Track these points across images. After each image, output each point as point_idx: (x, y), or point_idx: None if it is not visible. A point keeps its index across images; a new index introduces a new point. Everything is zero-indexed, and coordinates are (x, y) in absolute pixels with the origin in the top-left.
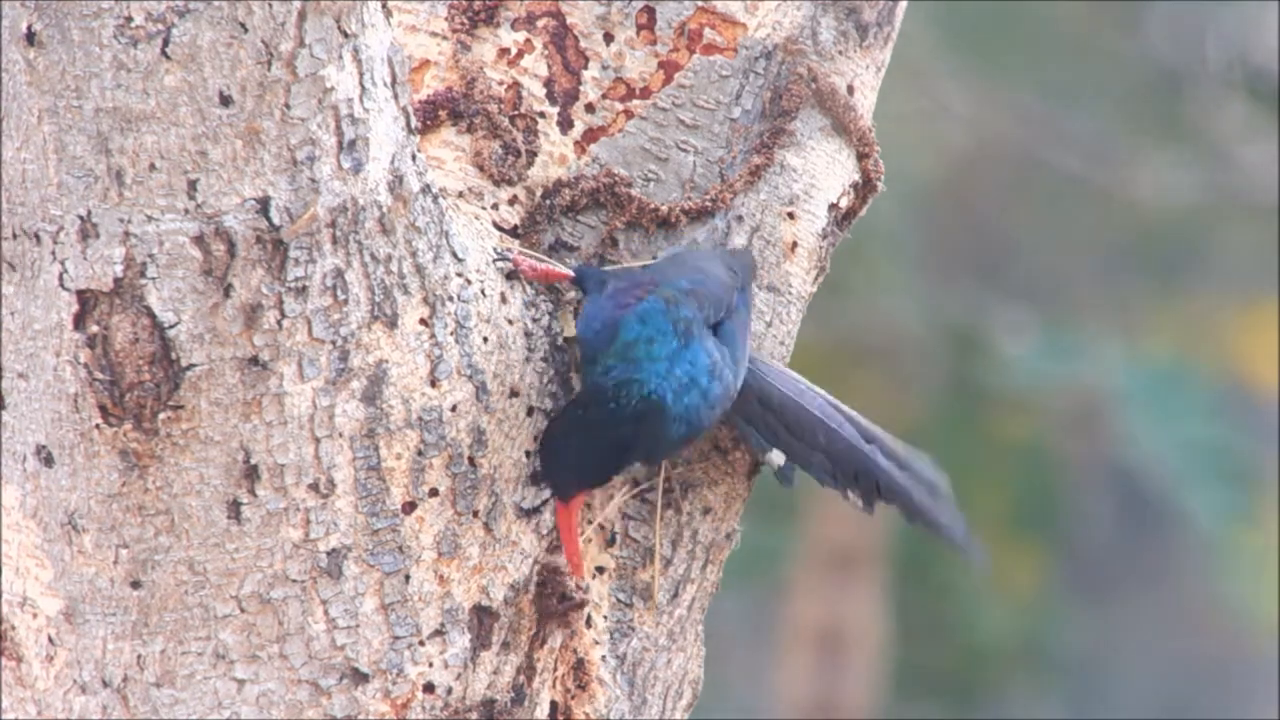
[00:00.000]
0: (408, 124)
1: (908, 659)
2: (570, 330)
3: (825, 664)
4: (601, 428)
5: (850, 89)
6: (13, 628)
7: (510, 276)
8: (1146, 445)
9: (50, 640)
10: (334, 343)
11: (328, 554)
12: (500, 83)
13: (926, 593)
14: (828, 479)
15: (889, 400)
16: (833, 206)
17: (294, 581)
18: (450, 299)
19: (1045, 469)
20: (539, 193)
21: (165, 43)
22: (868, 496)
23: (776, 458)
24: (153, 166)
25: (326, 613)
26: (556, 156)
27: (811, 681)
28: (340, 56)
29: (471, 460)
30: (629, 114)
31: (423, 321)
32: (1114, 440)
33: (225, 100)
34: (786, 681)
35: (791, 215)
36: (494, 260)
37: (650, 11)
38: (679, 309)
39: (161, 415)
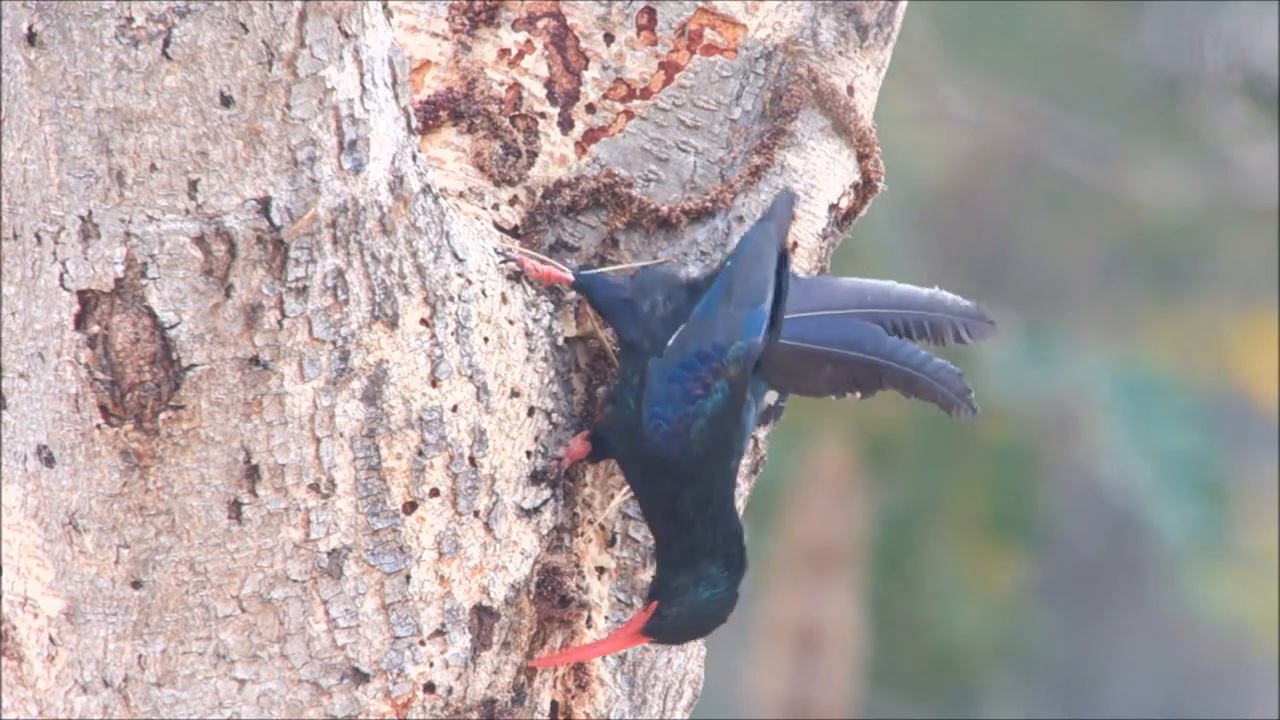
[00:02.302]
0: (408, 124)
1: (883, 657)
2: (571, 331)
3: (801, 662)
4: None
5: (850, 90)
6: (14, 628)
7: (511, 277)
8: (1120, 456)
9: (51, 640)
10: (334, 343)
11: (328, 554)
12: (501, 83)
13: (902, 592)
14: (821, 393)
15: (870, 402)
16: (833, 207)
17: (295, 581)
18: (451, 299)
19: (1027, 473)
20: (539, 193)
21: (166, 43)
22: (867, 391)
23: (766, 398)
24: (153, 167)
25: (327, 613)
26: (557, 157)
27: (787, 679)
28: (341, 57)
29: (472, 460)
30: (629, 114)
31: (423, 321)
32: (1089, 450)
33: (226, 100)
34: (762, 679)
35: (792, 215)
36: (500, 263)
37: (651, 12)
38: (740, 390)
39: (162, 415)
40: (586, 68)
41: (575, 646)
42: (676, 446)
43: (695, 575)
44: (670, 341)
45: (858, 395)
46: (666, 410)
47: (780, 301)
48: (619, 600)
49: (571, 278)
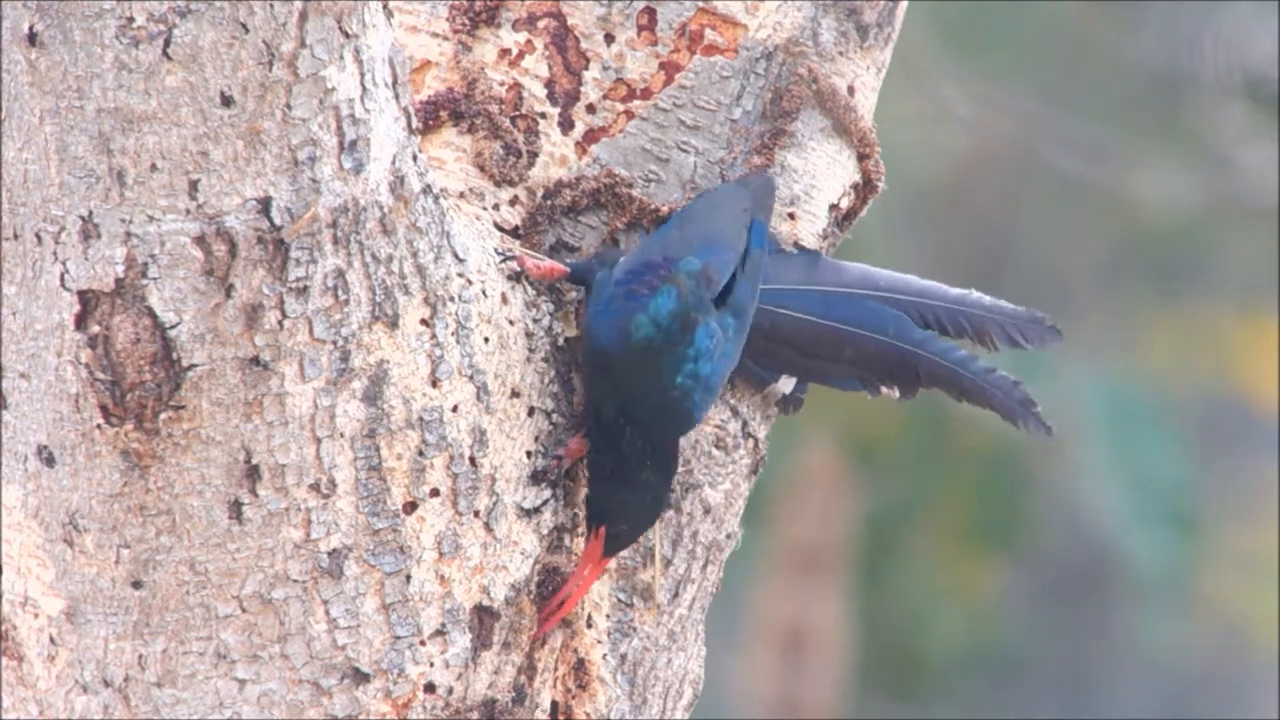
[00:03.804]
0: (409, 124)
1: (870, 659)
2: (571, 331)
3: (789, 663)
4: (636, 476)
5: (851, 90)
6: (14, 627)
7: (512, 278)
8: (1099, 479)
9: (52, 640)
10: (335, 343)
11: (329, 554)
12: (501, 83)
13: (890, 594)
14: (851, 385)
15: (860, 402)
16: (833, 207)
17: (295, 581)
18: (451, 299)
19: (1015, 479)
20: (540, 193)
21: (167, 43)
22: (906, 387)
23: (783, 385)
24: (154, 167)
25: (327, 613)
26: (557, 157)
27: (775, 680)
28: (341, 57)
29: (472, 460)
30: (630, 115)
31: (424, 322)
32: (1072, 469)
33: (226, 100)
34: (750, 679)
35: (792, 216)
36: (500, 262)
37: (651, 12)
38: (688, 300)
39: (163, 415)
40: (587, 68)
41: (558, 608)
42: (618, 342)
43: (631, 487)
44: (621, 259)
45: (895, 393)
46: (611, 306)
47: (750, 263)
48: (619, 600)
49: (568, 270)
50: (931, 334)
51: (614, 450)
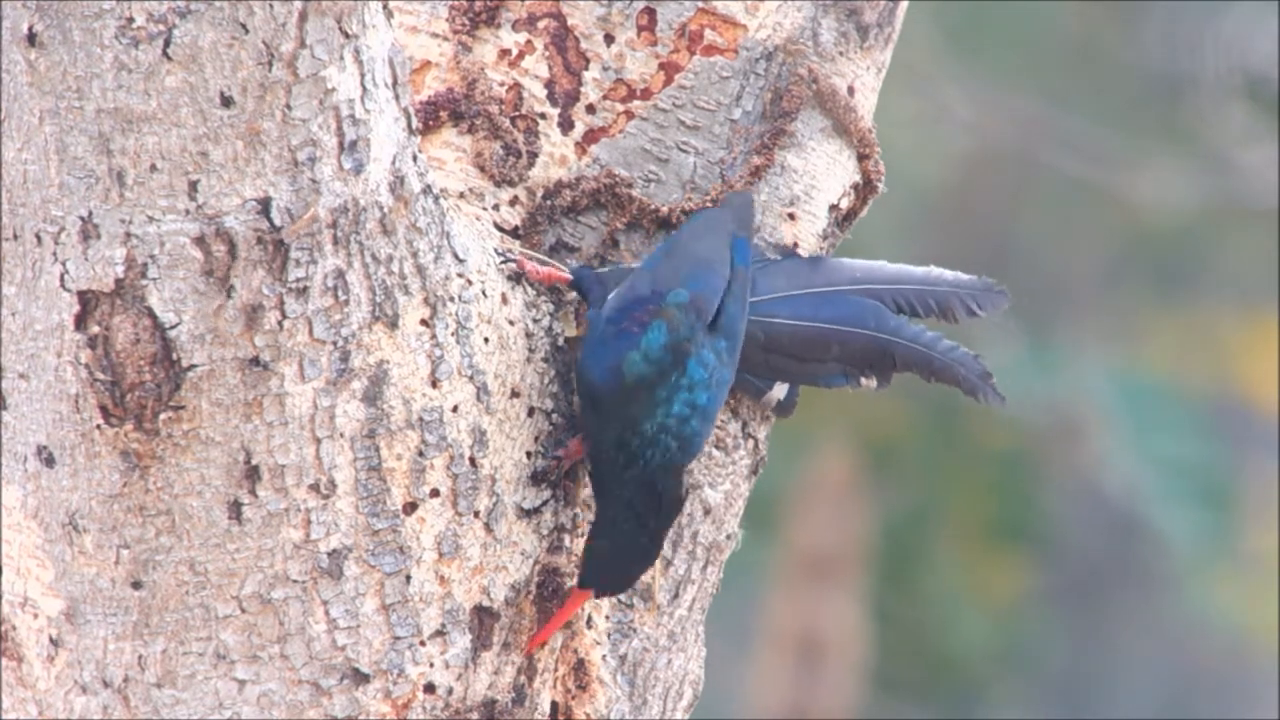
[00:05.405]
0: (409, 125)
1: (886, 664)
2: (571, 331)
3: (803, 669)
4: (637, 528)
5: (851, 90)
6: (14, 628)
7: (512, 278)
8: (1123, 464)
9: (51, 640)
10: (335, 343)
11: (328, 554)
12: (501, 84)
13: (905, 598)
14: (836, 382)
15: (874, 405)
16: (833, 207)
17: (295, 582)
18: (451, 300)
19: (1029, 478)
20: (540, 193)
21: (166, 43)
22: (883, 376)
23: (777, 392)
24: (154, 167)
25: (327, 613)
26: (557, 157)
27: (790, 686)
28: (341, 57)
29: (472, 461)
30: (629, 115)
31: (424, 322)
32: (1093, 458)
33: (226, 101)
34: (765, 686)
35: (792, 216)
36: (500, 263)
37: (651, 13)
38: (679, 332)
39: (162, 416)
40: (587, 68)
41: (548, 628)
42: (611, 381)
43: (600, 524)
44: (610, 296)
45: (873, 384)
46: (604, 349)
47: (736, 282)
48: (619, 601)
49: (570, 277)
50: (903, 318)
51: (604, 478)
